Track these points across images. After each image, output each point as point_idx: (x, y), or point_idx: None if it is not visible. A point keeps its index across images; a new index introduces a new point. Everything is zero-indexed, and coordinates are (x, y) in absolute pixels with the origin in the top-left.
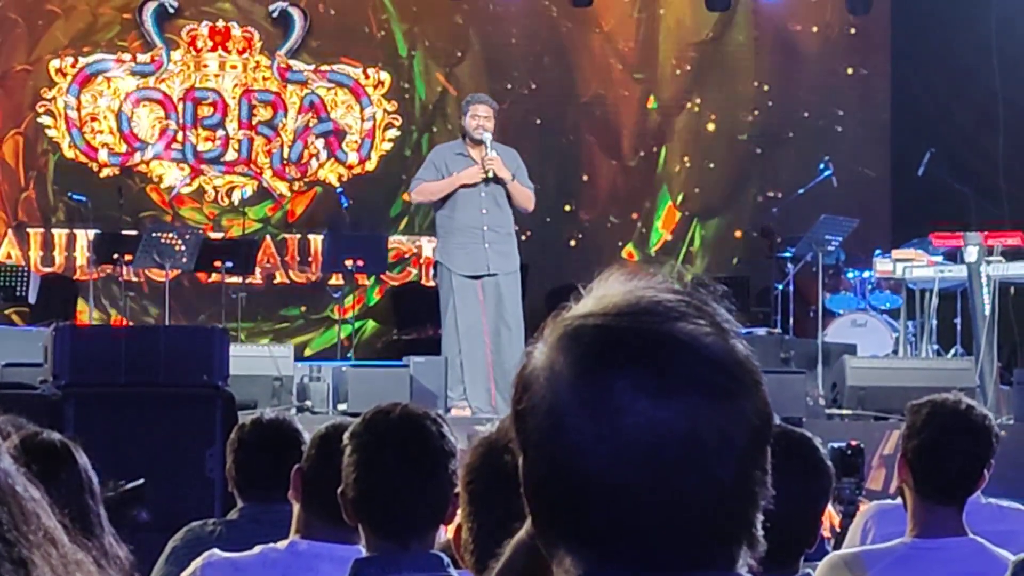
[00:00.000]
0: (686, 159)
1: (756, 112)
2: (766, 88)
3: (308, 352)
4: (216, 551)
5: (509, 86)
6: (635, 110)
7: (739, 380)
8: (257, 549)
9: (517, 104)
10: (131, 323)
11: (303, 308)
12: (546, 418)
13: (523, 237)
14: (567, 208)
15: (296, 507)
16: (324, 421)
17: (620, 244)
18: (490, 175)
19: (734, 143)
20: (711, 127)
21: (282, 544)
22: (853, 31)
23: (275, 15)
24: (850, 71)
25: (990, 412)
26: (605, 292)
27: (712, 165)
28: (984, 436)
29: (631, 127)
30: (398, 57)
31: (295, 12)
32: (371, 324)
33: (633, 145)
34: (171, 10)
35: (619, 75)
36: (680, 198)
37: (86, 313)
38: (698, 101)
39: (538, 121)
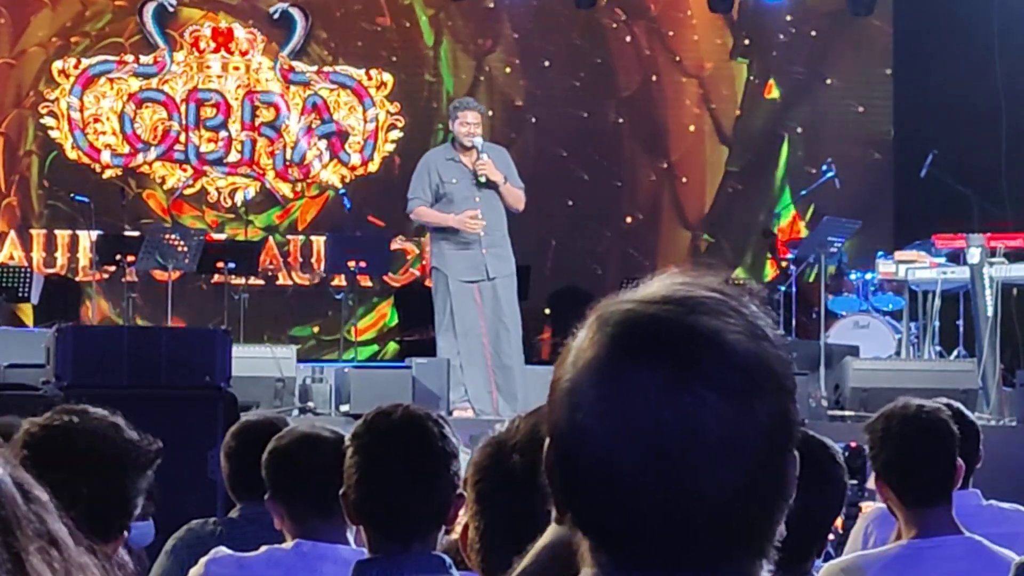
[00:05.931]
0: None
1: (754, 111)
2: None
3: None
4: (223, 548)
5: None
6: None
7: (755, 381)
8: (263, 549)
9: (555, 98)
10: (134, 324)
11: (316, 328)
12: (566, 395)
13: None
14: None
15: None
16: (326, 422)
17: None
18: (483, 180)
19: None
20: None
21: (287, 544)
22: (855, 33)
23: (276, 16)
24: (852, 73)
25: (942, 404)
26: (651, 284)
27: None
28: (944, 430)
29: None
30: (423, 47)
31: (296, 12)
32: (392, 346)
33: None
34: (170, 8)
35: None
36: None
37: (88, 314)
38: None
39: (585, 115)
